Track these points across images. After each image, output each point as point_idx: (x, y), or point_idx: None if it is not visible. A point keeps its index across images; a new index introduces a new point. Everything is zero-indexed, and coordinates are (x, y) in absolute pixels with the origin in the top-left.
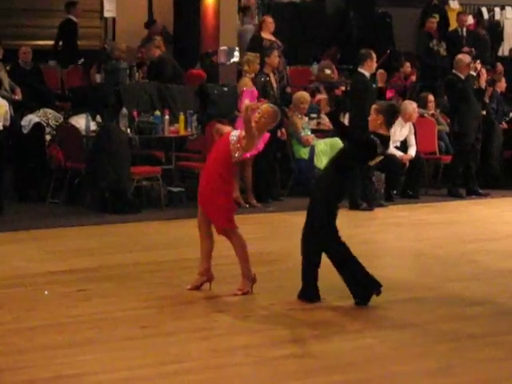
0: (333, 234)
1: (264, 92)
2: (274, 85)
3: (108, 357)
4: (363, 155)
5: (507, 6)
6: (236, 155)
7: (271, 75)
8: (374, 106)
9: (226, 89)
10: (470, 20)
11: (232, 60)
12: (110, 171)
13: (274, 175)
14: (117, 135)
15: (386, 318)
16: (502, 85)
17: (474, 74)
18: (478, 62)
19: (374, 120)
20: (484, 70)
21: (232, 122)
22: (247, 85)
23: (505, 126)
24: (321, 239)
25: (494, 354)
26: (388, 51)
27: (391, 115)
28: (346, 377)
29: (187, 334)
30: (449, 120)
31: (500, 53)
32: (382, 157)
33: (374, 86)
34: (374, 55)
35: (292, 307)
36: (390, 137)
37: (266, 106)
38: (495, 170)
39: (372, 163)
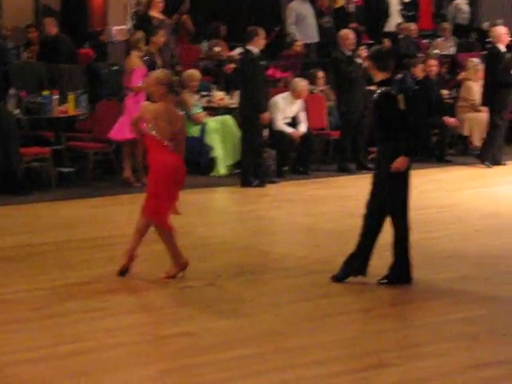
0: None
1: (150, 70)
2: (159, 63)
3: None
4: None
5: None
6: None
7: (156, 54)
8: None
9: (115, 68)
10: None
11: (119, 38)
12: None
13: None
14: (5, 116)
15: (280, 293)
16: None
17: (361, 61)
18: (364, 48)
19: (369, 67)
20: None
21: (121, 101)
22: (137, 63)
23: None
24: None
25: (383, 326)
26: (276, 29)
27: (380, 58)
28: (240, 352)
29: (80, 314)
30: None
31: (386, 28)
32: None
33: (262, 63)
34: (261, 32)
35: (186, 285)
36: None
37: (147, 79)
38: None
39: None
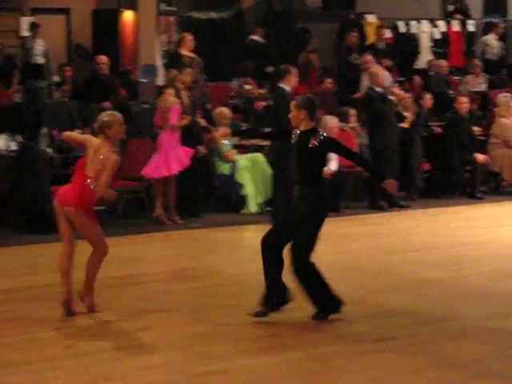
0: None
1: (189, 108)
2: (186, 101)
3: (33, 378)
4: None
5: (422, 20)
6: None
7: (182, 92)
8: (293, 103)
9: (146, 106)
10: (388, 33)
11: (151, 77)
12: (30, 191)
13: (197, 191)
14: (36, 154)
15: (310, 331)
16: (427, 102)
17: (393, 98)
18: (396, 86)
19: (297, 116)
20: (403, 93)
21: (152, 139)
22: (173, 101)
23: (439, 129)
24: None
25: (416, 364)
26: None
27: (313, 107)
28: None
29: (112, 352)
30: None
31: (417, 65)
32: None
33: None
34: (294, 70)
35: (218, 323)
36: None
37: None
38: (416, 182)
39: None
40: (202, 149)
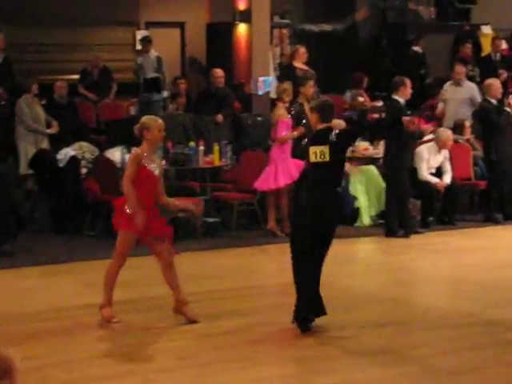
0: None
1: (298, 121)
2: (308, 114)
3: None
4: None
5: None
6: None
7: (305, 104)
8: (309, 106)
9: (259, 118)
10: (504, 45)
11: (265, 90)
12: None
13: None
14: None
15: (424, 345)
16: None
17: (509, 109)
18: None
19: (311, 118)
20: None
21: (265, 152)
22: (283, 114)
23: None
24: None
25: None
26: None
27: (325, 110)
28: None
29: (225, 364)
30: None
31: None
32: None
33: (407, 113)
34: (407, 82)
35: (331, 335)
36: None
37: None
38: None
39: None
40: None
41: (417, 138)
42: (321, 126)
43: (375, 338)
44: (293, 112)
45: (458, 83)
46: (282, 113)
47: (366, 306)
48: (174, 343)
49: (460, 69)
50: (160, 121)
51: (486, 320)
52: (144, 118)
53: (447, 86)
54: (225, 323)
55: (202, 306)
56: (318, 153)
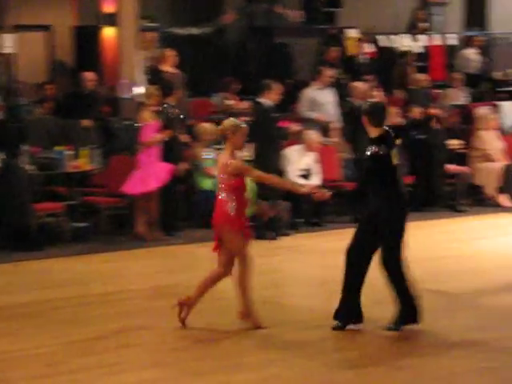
0: None
1: (170, 124)
2: (181, 116)
3: None
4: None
5: (401, 34)
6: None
7: (175, 107)
8: (362, 108)
9: (127, 122)
10: (368, 47)
11: (132, 93)
12: (12, 208)
13: (178, 207)
14: (18, 172)
15: (291, 347)
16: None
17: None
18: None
19: (364, 122)
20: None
21: (133, 156)
22: (148, 118)
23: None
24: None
25: (393, 379)
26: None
27: (373, 113)
28: None
29: (95, 369)
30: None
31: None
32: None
33: (274, 115)
34: (275, 87)
35: (201, 339)
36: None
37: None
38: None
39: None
40: (182, 165)
41: (283, 139)
42: (372, 134)
43: (246, 340)
44: (164, 115)
45: (325, 86)
46: (147, 116)
47: (235, 310)
48: (41, 350)
49: (327, 72)
50: (245, 126)
51: None
52: (229, 121)
53: (313, 89)
54: (94, 328)
55: (71, 312)
56: (397, 155)
